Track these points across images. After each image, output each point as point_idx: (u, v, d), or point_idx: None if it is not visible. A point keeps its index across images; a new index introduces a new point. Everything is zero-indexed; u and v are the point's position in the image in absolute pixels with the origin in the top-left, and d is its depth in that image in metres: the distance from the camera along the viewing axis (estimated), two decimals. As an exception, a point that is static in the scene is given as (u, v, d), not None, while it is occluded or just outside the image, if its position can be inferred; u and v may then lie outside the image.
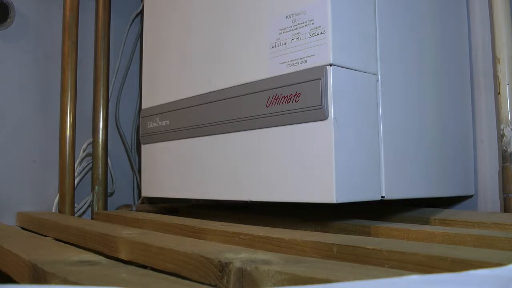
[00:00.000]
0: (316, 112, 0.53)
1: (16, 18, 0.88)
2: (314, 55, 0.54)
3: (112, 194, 0.99)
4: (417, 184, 0.63)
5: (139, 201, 1.01)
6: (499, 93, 0.72)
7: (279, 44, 0.58)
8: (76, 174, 0.91)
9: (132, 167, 1.04)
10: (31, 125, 0.90)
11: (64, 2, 0.90)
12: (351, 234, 0.57)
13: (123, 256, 0.50)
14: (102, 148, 0.93)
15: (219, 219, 0.67)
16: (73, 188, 0.88)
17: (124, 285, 0.30)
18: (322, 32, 0.53)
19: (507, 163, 0.70)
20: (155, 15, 0.82)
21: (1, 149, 0.86)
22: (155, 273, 0.35)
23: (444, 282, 0.28)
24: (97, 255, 0.41)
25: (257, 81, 0.60)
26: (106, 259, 0.39)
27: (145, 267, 0.44)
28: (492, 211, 0.74)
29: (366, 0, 0.58)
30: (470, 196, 0.77)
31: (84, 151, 0.94)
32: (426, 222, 0.63)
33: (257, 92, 0.60)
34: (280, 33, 0.58)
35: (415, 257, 0.38)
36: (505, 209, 0.69)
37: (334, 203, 0.51)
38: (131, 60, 1.04)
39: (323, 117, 0.52)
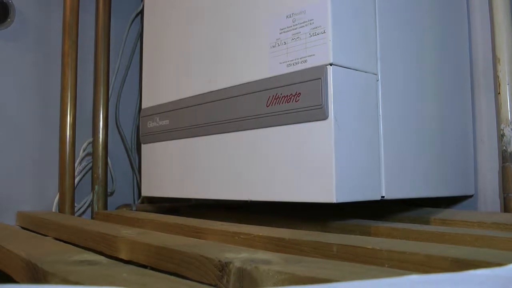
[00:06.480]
0: (316, 111, 0.53)
1: (16, 17, 0.88)
2: (314, 54, 0.54)
3: (112, 193, 0.99)
4: (417, 184, 0.63)
5: (139, 200, 1.01)
6: (499, 93, 0.72)
7: (279, 44, 0.58)
8: (76, 173, 0.91)
9: (132, 167, 1.04)
10: (31, 125, 0.90)
11: (64, 2, 0.90)
12: (351, 234, 0.57)
13: (123, 255, 0.50)
14: (102, 147, 0.93)
15: (219, 219, 0.67)
16: (73, 188, 0.88)
17: (124, 285, 0.30)
18: (322, 31, 0.53)
19: (507, 163, 0.70)
20: (155, 14, 0.82)
21: (1, 149, 0.86)
22: (155, 273, 0.35)
23: (444, 282, 0.28)
24: (97, 254, 0.41)
25: (257, 80, 0.60)
26: (106, 259, 0.39)
27: (145, 267, 0.44)
28: (492, 211, 0.74)
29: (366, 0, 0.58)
30: (470, 196, 0.77)
31: (84, 150, 0.94)
32: (426, 222, 0.63)
33: (257, 91, 0.60)
34: (280, 33, 0.58)
35: (415, 257, 0.38)
36: (505, 209, 0.69)
37: (334, 203, 0.51)
38: (131, 60, 1.04)
39: (323, 116, 0.52)
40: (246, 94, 0.61)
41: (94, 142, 0.93)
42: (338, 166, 0.51)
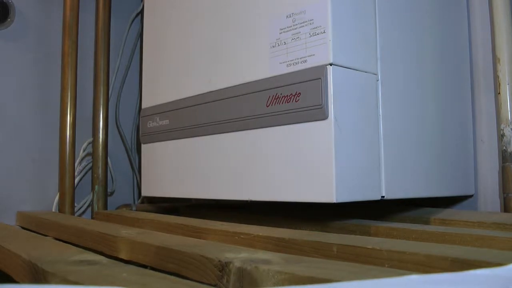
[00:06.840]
0: (316, 111, 0.53)
1: (17, 17, 0.88)
2: (314, 54, 0.54)
3: (112, 193, 0.99)
4: (417, 184, 0.63)
5: (139, 200, 1.01)
6: (499, 93, 0.72)
7: (279, 44, 0.58)
8: (76, 173, 0.91)
9: (132, 167, 1.04)
10: (31, 125, 0.90)
11: (64, 2, 0.90)
12: (351, 234, 0.57)
13: (123, 255, 0.50)
14: (102, 147, 0.93)
15: (219, 219, 0.67)
16: (73, 188, 0.88)
17: (124, 285, 0.30)
18: (322, 31, 0.53)
19: (507, 163, 0.70)
20: (155, 14, 0.82)
21: (1, 149, 0.86)
22: (155, 273, 0.35)
23: (444, 282, 0.28)
24: (97, 254, 0.41)
25: (257, 80, 0.60)
26: (106, 259, 0.39)
27: (145, 267, 0.44)
28: (492, 211, 0.74)
29: None
30: (470, 196, 0.77)
31: (84, 150, 0.94)
32: (426, 222, 0.63)
33: (257, 91, 0.60)
34: (280, 33, 0.58)
35: (415, 257, 0.38)
36: (505, 209, 0.69)
37: (334, 203, 0.51)
38: (131, 59, 1.04)
39: (323, 116, 0.52)
40: (246, 94, 0.61)
41: (94, 142, 0.93)
42: (338, 166, 0.51)
